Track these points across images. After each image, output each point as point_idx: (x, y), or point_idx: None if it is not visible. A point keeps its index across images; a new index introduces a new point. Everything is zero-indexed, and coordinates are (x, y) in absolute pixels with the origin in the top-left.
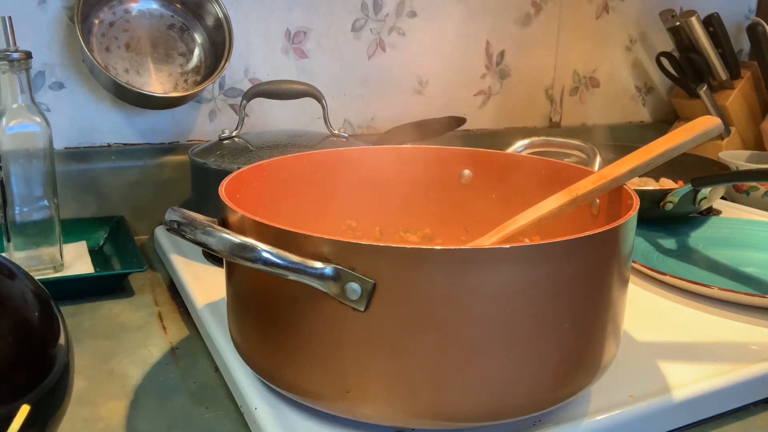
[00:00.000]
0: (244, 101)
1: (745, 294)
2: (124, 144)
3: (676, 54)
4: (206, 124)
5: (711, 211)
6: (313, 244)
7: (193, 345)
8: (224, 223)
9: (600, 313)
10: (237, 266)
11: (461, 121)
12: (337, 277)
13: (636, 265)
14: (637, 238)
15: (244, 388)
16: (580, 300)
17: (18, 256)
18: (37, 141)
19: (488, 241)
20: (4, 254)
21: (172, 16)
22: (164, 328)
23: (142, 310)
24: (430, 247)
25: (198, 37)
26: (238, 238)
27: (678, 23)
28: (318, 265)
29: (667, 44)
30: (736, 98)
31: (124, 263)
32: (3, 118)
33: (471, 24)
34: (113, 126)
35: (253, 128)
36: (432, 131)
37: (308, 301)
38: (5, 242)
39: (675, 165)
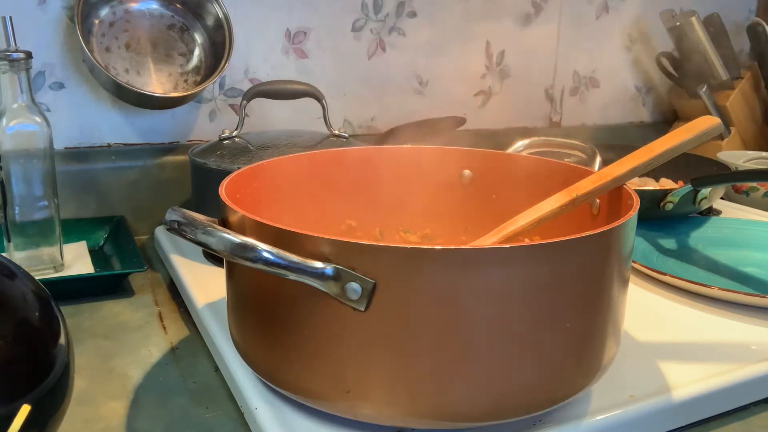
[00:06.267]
0: (244, 101)
1: (745, 294)
2: (124, 144)
3: (676, 54)
4: (206, 124)
5: (711, 211)
6: (313, 244)
7: (193, 345)
8: (224, 223)
9: (600, 313)
10: (237, 266)
11: (461, 121)
12: (337, 277)
13: (636, 265)
14: (637, 238)
15: (244, 388)
16: (580, 300)
17: (18, 256)
18: (37, 141)
19: (488, 241)
20: (4, 254)
21: (172, 16)
22: (164, 328)
23: (142, 310)
24: (430, 247)
25: (198, 37)
26: (238, 238)
27: (678, 23)
28: (318, 265)
29: (667, 44)
30: (736, 98)
31: (124, 263)
32: (3, 118)
33: (471, 24)
34: (113, 126)
35: (253, 128)
36: (432, 131)
37: (308, 301)
38: (5, 242)
39: (675, 165)
